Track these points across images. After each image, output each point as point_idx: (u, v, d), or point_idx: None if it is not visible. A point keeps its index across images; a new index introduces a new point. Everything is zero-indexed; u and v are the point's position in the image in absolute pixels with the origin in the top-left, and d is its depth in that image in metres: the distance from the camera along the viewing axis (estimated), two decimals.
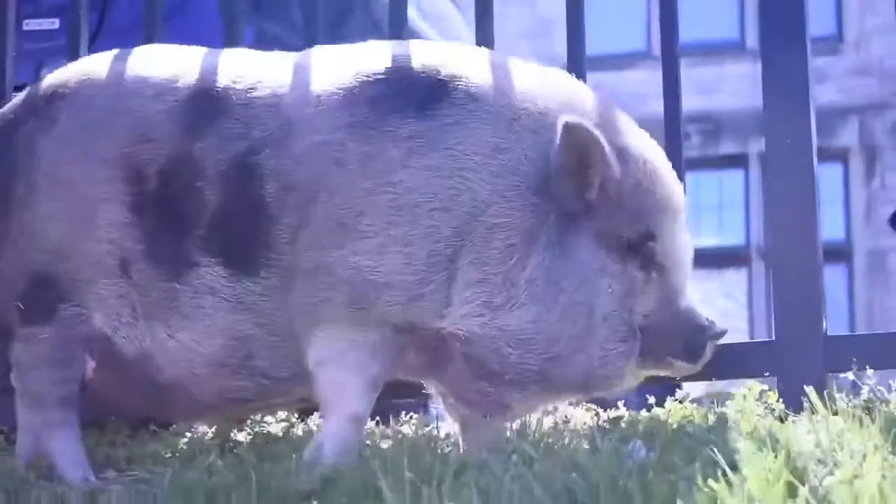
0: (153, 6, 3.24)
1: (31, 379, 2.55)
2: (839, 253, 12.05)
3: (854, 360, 2.61)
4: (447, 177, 2.38)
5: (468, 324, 2.39)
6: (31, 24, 3.57)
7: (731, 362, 2.71)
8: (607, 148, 2.35)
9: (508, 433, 2.41)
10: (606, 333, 2.38)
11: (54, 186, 2.54)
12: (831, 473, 2.00)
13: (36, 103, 2.64)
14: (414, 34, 4.07)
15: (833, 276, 11.88)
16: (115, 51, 2.72)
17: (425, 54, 2.52)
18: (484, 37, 3.07)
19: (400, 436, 2.60)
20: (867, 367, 2.60)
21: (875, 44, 12.61)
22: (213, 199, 2.46)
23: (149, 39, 3.12)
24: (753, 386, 2.67)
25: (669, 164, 2.50)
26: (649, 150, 2.47)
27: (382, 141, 2.41)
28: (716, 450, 2.14)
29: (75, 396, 2.55)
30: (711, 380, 2.71)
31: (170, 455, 2.68)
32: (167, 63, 2.61)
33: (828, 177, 12.08)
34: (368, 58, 2.53)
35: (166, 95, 2.54)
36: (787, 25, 2.83)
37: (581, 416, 2.79)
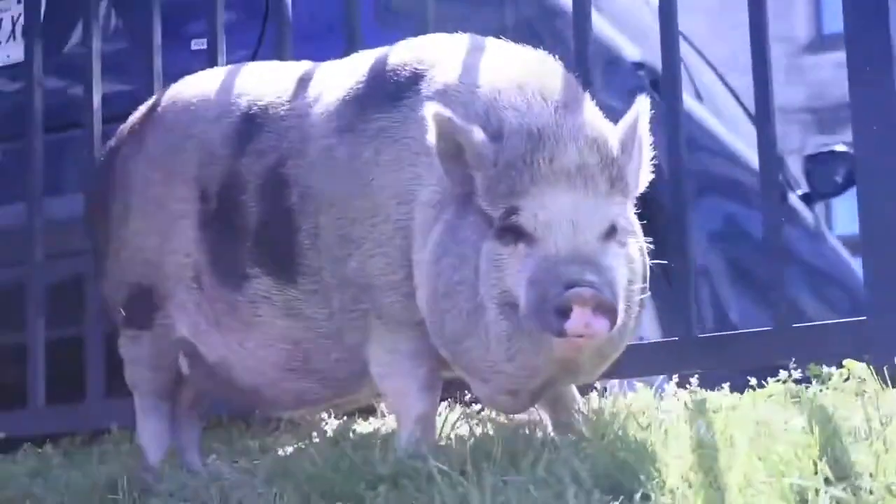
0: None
1: (130, 371, 2.91)
2: None
3: None
4: (404, 168, 2.44)
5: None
6: (198, 44, 3.68)
7: (823, 342, 2.74)
8: (473, 132, 2.32)
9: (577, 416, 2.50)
10: (488, 314, 2.29)
11: (145, 205, 2.81)
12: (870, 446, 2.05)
13: (132, 126, 2.93)
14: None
15: None
16: (203, 72, 2.97)
17: (410, 49, 2.58)
18: None
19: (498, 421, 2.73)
20: None
21: None
22: (254, 212, 2.63)
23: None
24: (850, 364, 2.69)
25: (576, 136, 2.31)
26: (546, 124, 2.33)
27: (360, 141, 2.49)
28: (767, 427, 2.23)
29: (168, 389, 2.89)
30: (790, 360, 2.72)
31: (295, 445, 2.91)
32: (233, 83, 2.81)
33: None
34: (366, 60, 2.62)
35: (224, 117, 2.74)
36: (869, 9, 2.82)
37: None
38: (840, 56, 3.00)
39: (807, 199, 6.07)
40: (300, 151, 2.60)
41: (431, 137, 2.35)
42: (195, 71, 3.03)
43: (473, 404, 2.96)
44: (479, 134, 2.33)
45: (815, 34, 12.44)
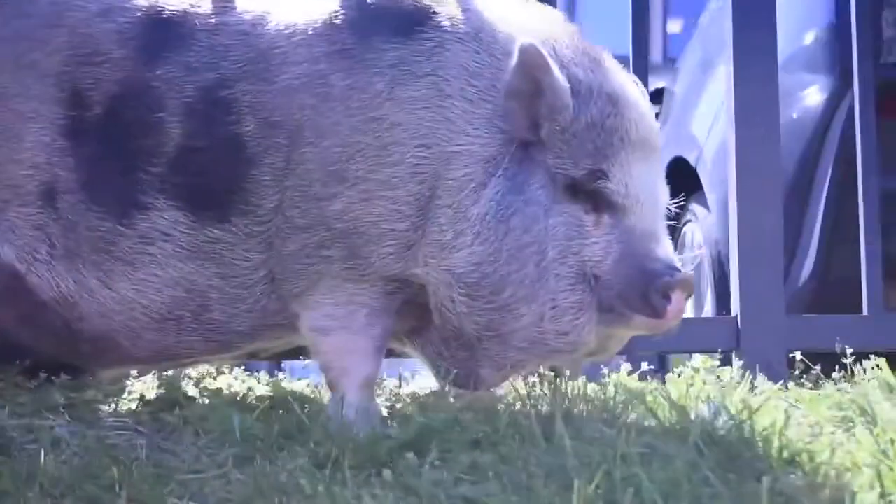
0: None
1: None
2: None
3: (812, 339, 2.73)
4: (428, 108, 2.18)
5: (428, 267, 2.17)
6: None
7: (693, 336, 2.76)
8: (559, 77, 2.14)
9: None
10: (557, 282, 2.13)
11: None
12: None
13: None
14: None
15: None
16: None
17: None
18: None
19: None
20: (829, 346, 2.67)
21: None
22: (176, 135, 2.21)
23: None
24: (706, 360, 2.72)
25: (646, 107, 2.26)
26: (618, 87, 2.21)
27: (366, 71, 2.19)
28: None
29: None
30: (667, 352, 2.73)
31: (140, 403, 2.35)
32: None
33: None
34: None
35: (115, 15, 2.29)
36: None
37: None
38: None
39: None
40: (259, 76, 2.21)
41: (513, 69, 2.13)
42: None
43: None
44: (565, 80, 2.13)
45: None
